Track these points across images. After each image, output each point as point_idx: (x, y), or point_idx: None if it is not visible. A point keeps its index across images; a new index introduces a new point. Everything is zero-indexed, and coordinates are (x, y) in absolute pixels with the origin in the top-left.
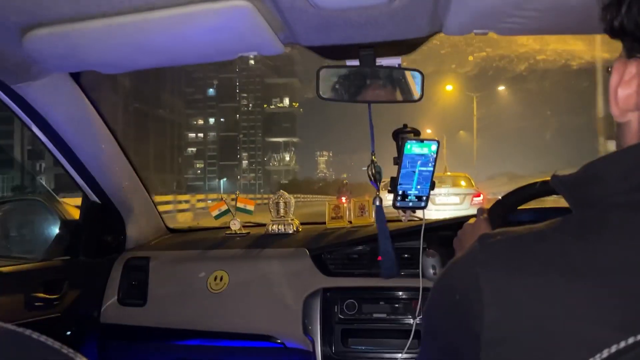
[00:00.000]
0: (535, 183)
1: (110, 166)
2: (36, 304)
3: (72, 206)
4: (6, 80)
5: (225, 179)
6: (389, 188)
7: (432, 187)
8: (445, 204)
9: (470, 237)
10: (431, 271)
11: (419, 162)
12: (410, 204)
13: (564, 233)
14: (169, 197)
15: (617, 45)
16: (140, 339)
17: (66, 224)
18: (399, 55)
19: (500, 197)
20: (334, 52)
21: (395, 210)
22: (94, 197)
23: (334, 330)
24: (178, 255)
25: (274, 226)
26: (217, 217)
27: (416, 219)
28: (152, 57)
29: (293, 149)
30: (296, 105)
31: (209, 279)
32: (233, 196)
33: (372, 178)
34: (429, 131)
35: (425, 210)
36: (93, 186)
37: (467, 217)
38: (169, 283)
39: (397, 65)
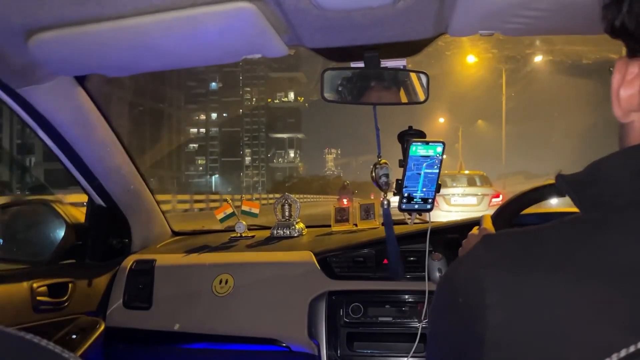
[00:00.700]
0: (539, 187)
1: (115, 169)
2: (42, 307)
3: (78, 209)
4: (11, 83)
5: (222, 180)
6: (394, 190)
7: (438, 189)
8: (461, 205)
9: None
10: (437, 274)
11: (424, 164)
12: (416, 206)
13: (570, 233)
14: (168, 197)
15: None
16: (146, 342)
17: (72, 227)
18: (404, 56)
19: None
20: (339, 54)
21: (401, 212)
22: (99, 201)
23: (340, 334)
24: (183, 258)
25: (279, 229)
26: (222, 220)
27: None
28: (157, 59)
29: (298, 151)
30: (301, 100)
31: (214, 282)
32: (238, 197)
33: (377, 181)
34: (441, 120)
35: (439, 211)
36: (99, 189)
37: (473, 220)
38: (174, 286)
39: (402, 67)
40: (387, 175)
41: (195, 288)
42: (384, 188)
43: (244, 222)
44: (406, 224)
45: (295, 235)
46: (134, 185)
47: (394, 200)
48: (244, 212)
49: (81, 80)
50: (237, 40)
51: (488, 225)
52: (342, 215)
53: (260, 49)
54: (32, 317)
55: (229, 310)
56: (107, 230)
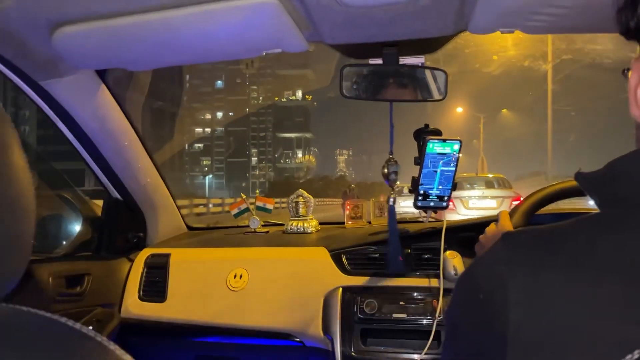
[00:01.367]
0: (557, 185)
1: (132, 164)
2: (60, 298)
3: (94, 203)
4: (34, 76)
5: (228, 181)
6: (410, 187)
7: (454, 187)
8: (480, 208)
9: (492, 241)
10: (452, 272)
11: (440, 162)
12: (432, 203)
13: (590, 230)
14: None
15: None
16: (160, 334)
17: (89, 220)
18: (423, 54)
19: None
20: (357, 51)
21: (416, 210)
22: (116, 194)
23: (354, 330)
24: (198, 252)
25: (293, 225)
26: (236, 215)
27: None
28: (178, 54)
29: (313, 149)
30: (309, 98)
31: (229, 276)
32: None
33: (387, 177)
34: (459, 110)
35: (456, 215)
36: (115, 183)
37: (488, 219)
38: (189, 280)
39: (420, 64)
40: (396, 173)
41: (209, 282)
42: (392, 185)
43: (257, 218)
44: (421, 221)
45: (309, 231)
46: (151, 179)
47: (402, 204)
48: (259, 208)
49: (102, 74)
50: (259, 35)
51: (506, 222)
52: (356, 212)
53: (280, 44)
54: (51, 307)
55: (243, 305)
56: (123, 223)
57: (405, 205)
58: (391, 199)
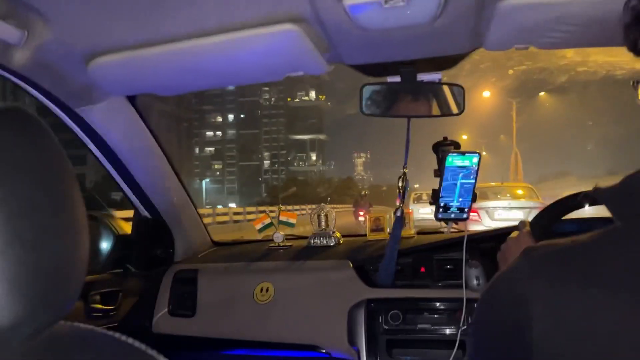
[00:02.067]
0: (578, 194)
1: (161, 183)
2: (95, 314)
3: (124, 221)
4: (70, 104)
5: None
6: (430, 200)
7: (474, 199)
8: (506, 220)
9: (514, 250)
10: (475, 282)
11: (460, 175)
12: (452, 215)
13: (608, 244)
14: None
15: None
16: (190, 348)
17: (119, 238)
18: (440, 70)
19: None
20: (376, 70)
21: (437, 222)
22: (145, 212)
23: (379, 341)
24: (225, 267)
25: (316, 239)
26: (260, 230)
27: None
28: (205, 79)
29: (324, 154)
30: (323, 98)
31: (255, 290)
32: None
33: (401, 191)
34: (486, 94)
35: (481, 226)
36: (144, 202)
37: (509, 229)
38: (217, 294)
39: (437, 80)
40: (406, 187)
41: (237, 296)
42: (403, 198)
43: (281, 233)
44: (442, 232)
45: (332, 244)
46: (178, 197)
47: (421, 211)
48: (282, 222)
49: (132, 99)
50: (281, 59)
51: (527, 230)
52: (377, 224)
53: (302, 67)
54: (87, 323)
55: (270, 318)
56: (152, 240)
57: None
58: (399, 212)
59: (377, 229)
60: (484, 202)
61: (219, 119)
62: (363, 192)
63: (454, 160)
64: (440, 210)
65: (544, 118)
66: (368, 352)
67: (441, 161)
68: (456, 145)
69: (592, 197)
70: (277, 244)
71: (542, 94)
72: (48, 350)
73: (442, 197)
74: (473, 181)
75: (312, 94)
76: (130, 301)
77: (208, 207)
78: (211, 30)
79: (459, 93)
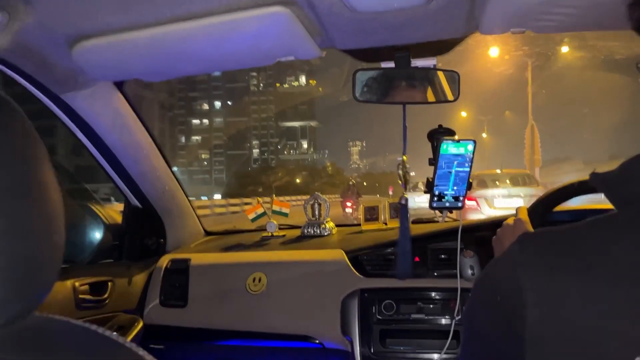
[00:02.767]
0: (575, 182)
1: (151, 172)
2: (84, 304)
3: (115, 211)
4: (54, 89)
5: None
6: (425, 189)
7: (469, 187)
8: (507, 208)
9: (509, 236)
10: (469, 272)
11: (455, 163)
12: (447, 204)
13: (605, 231)
14: None
15: None
16: (182, 339)
17: (110, 228)
18: (435, 55)
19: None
20: (369, 55)
21: (432, 211)
22: (135, 202)
23: (372, 331)
24: (217, 257)
25: (310, 228)
26: (253, 219)
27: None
28: (194, 64)
29: (323, 151)
30: (313, 83)
31: (248, 280)
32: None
33: (402, 179)
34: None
35: (480, 215)
36: (135, 191)
37: (505, 217)
38: (209, 284)
39: (432, 66)
40: (408, 174)
41: (229, 286)
42: (406, 186)
43: (274, 222)
44: (437, 221)
45: (326, 234)
46: (169, 186)
47: (417, 200)
48: (275, 212)
49: (119, 85)
50: (272, 43)
51: (524, 216)
52: (371, 214)
53: (293, 52)
54: (75, 314)
55: (263, 308)
56: (143, 230)
57: (420, 201)
58: (403, 200)
59: (372, 218)
60: (483, 191)
61: (205, 106)
62: (351, 182)
63: (448, 147)
64: (435, 199)
65: (565, 83)
66: (361, 342)
67: (436, 149)
68: (450, 133)
69: (589, 185)
70: (270, 234)
71: (565, 49)
72: (19, 343)
73: (436, 185)
74: (468, 169)
75: (302, 79)
76: (120, 291)
77: (192, 198)
78: (198, 13)
79: (454, 79)
